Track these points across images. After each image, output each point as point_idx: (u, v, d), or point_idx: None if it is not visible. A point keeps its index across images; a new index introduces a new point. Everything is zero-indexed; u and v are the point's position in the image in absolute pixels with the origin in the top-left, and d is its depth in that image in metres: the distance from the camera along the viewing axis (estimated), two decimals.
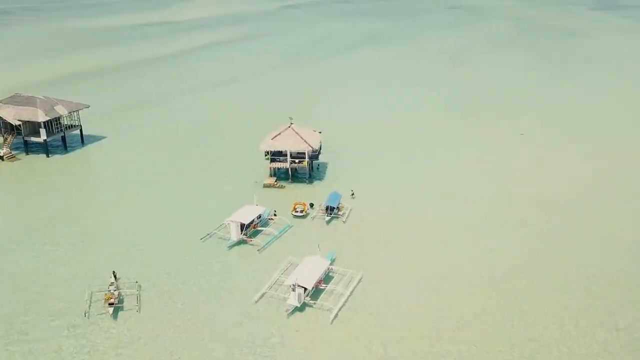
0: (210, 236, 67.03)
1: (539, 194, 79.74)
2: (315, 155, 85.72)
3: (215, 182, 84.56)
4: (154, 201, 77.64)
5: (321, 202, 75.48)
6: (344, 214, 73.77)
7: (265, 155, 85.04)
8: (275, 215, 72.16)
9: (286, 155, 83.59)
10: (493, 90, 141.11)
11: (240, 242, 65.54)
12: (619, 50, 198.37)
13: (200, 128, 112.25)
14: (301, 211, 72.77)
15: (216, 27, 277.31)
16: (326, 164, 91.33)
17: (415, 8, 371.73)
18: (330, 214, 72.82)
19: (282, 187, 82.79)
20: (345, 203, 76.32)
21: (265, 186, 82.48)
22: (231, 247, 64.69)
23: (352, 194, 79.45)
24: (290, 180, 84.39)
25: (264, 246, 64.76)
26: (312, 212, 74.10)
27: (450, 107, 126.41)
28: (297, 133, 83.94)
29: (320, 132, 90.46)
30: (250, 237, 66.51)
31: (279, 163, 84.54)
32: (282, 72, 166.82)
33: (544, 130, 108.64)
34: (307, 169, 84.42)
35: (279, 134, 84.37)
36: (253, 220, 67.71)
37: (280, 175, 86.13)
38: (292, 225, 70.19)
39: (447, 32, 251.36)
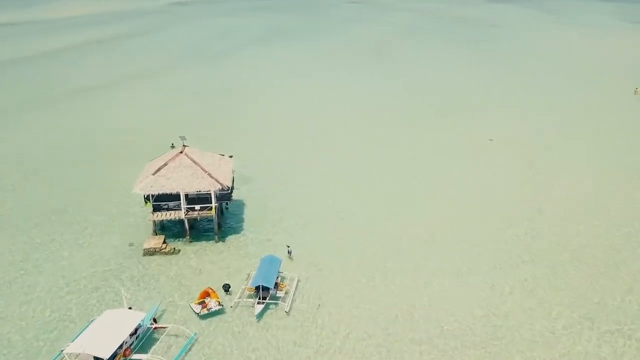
0: None
1: (551, 235, 55.01)
2: (226, 194, 55.03)
3: (57, 255, 50.91)
4: None
5: (249, 272, 46.42)
6: (287, 293, 44.30)
7: (145, 200, 53.16)
8: (154, 324, 40.60)
9: (179, 198, 52.19)
10: (441, 88, 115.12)
11: None
12: (546, 41, 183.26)
13: (43, 158, 75.77)
14: (203, 307, 42.14)
15: (93, 26, 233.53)
16: (242, 203, 60.91)
17: (313, 3, 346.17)
18: (265, 298, 42.93)
19: (174, 251, 51.24)
20: (287, 271, 47.10)
21: (147, 252, 50.58)
22: None
23: (289, 252, 50.23)
24: (187, 237, 53.04)
25: None
26: (234, 297, 43.83)
27: (396, 111, 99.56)
28: (194, 162, 52.83)
29: (231, 157, 60.06)
30: None
31: (167, 212, 52.86)
32: (172, 75, 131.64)
33: (514, 133, 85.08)
34: (215, 218, 53.46)
35: (165, 164, 52.67)
36: (123, 343, 36.04)
37: (172, 231, 54.67)
38: (198, 337, 39.32)
39: (358, 26, 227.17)
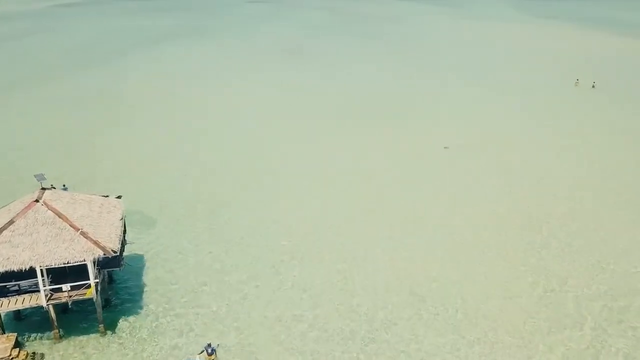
0: None
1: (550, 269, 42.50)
2: (111, 261, 36.66)
3: None
4: None
5: None
6: None
7: None
8: None
9: (35, 275, 33.48)
10: (373, 88, 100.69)
11: None
12: (462, 38, 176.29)
13: None
14: None
15: None
16: (141, 262, 42.74)
17: (211, 3, 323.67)
18: None
19: (33, 359, 32.70)
20: None
21: None
22: None
23: (212, 351, 32.68)
24: (56, 332, 34.53)
25: None
26: None
27: (326, 116, 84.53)
28: (58, 215, 34.39)
29: (119, 197, 41.77)
30: None
31: (17, 298, 34.02)
32: (48, 84, 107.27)
33: (469, 138, 72.91)
34: (97, 299, 35.16)
35: (11, 222, 33.81)
36: None
37: (31, 324, 35.82)
38: None
39: (266, 26, 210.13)
